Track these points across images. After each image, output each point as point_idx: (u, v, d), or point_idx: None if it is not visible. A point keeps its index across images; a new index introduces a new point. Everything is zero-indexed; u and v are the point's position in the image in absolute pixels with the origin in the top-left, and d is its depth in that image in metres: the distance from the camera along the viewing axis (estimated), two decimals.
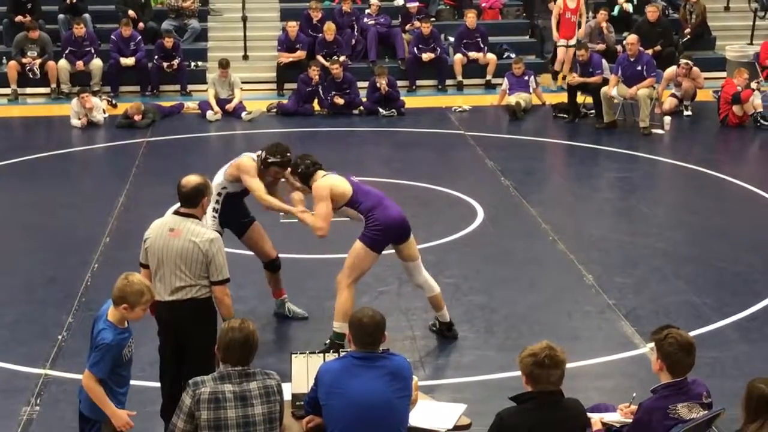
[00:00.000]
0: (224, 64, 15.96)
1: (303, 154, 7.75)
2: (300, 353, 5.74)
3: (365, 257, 7.42)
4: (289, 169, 7.68)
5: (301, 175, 7.58)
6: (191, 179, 6.14)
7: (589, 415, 5.19)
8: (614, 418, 5.46)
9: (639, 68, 14.86)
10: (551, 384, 4.77)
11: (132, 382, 5.66)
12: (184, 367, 6.07)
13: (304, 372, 5.53)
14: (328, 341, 7.54)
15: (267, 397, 4.82)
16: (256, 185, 7.59)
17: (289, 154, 7.63)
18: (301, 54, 17.18)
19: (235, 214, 7.94)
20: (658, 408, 5.04)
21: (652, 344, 5.22)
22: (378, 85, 15.87)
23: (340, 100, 15.80)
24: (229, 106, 15.79)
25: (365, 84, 16.21)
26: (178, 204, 6.20)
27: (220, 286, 6.04)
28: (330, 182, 7.45)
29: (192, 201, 6.10)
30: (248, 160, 7.68)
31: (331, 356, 5.53)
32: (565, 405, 4.85)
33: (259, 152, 7.70)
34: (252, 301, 8.57)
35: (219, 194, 7.77)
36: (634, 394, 5.52)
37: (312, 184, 7.51)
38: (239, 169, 7.67)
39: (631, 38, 15.26)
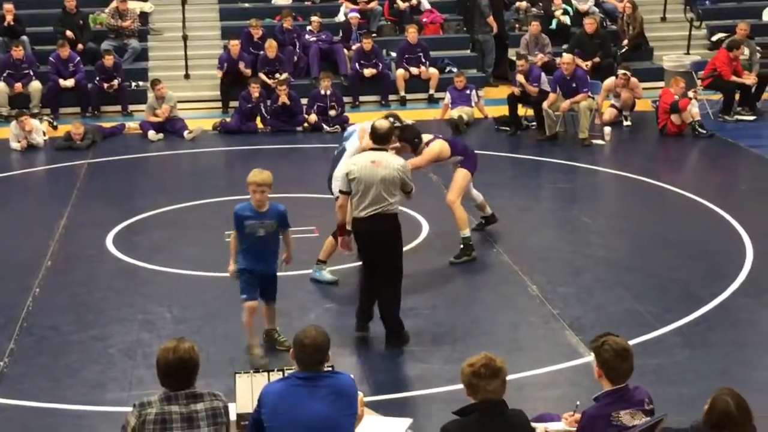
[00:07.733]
0: (155, 83, 16.04)
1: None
2: (244, 372, 5.73)
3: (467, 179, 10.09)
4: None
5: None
6: (383, 124, 8.11)
7: (534, 425, 5.21)
8: (559, 427, 5.50)
9: (574, 85, 15.04)
10: (490, 393, 4.79)
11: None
12: (376, 281, 7.94)
13: (248, 392, 5.51)
14: (462, 246, 9.80)
15: (214, 419, 4.77)
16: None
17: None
18: (246, 71, 17.11)
19: None
20: (600, 416, 5.09)
21: None
22: (322, 92, 15.89)
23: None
24: (161, 112, 15.70)
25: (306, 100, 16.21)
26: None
27: (406, 194, 8.07)
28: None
29: (383, 141, 8.02)
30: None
31: (275, 375, 5.52)
32: (508, 416, 4.87)
33: (396, 131, 8.95)
34: (197, 321, 8.52)
35: None
36: (578, 403, 5.56)
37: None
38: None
39: (567, 57, 15.45)
